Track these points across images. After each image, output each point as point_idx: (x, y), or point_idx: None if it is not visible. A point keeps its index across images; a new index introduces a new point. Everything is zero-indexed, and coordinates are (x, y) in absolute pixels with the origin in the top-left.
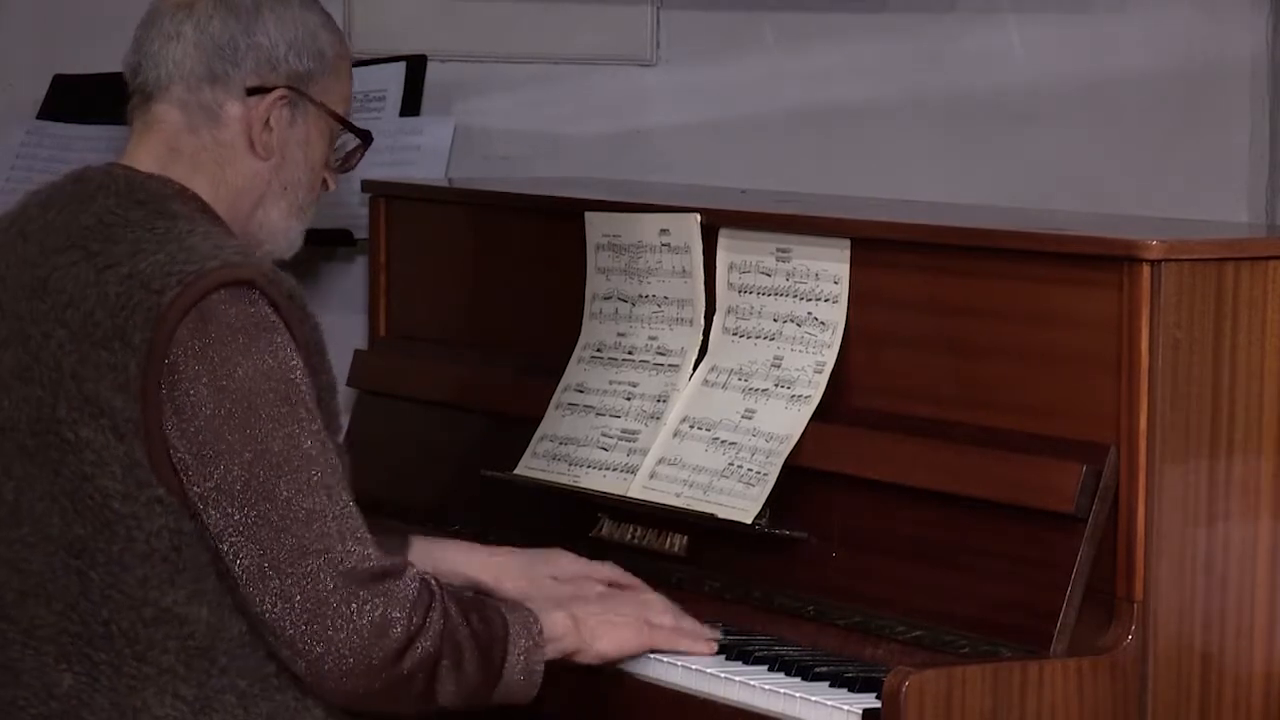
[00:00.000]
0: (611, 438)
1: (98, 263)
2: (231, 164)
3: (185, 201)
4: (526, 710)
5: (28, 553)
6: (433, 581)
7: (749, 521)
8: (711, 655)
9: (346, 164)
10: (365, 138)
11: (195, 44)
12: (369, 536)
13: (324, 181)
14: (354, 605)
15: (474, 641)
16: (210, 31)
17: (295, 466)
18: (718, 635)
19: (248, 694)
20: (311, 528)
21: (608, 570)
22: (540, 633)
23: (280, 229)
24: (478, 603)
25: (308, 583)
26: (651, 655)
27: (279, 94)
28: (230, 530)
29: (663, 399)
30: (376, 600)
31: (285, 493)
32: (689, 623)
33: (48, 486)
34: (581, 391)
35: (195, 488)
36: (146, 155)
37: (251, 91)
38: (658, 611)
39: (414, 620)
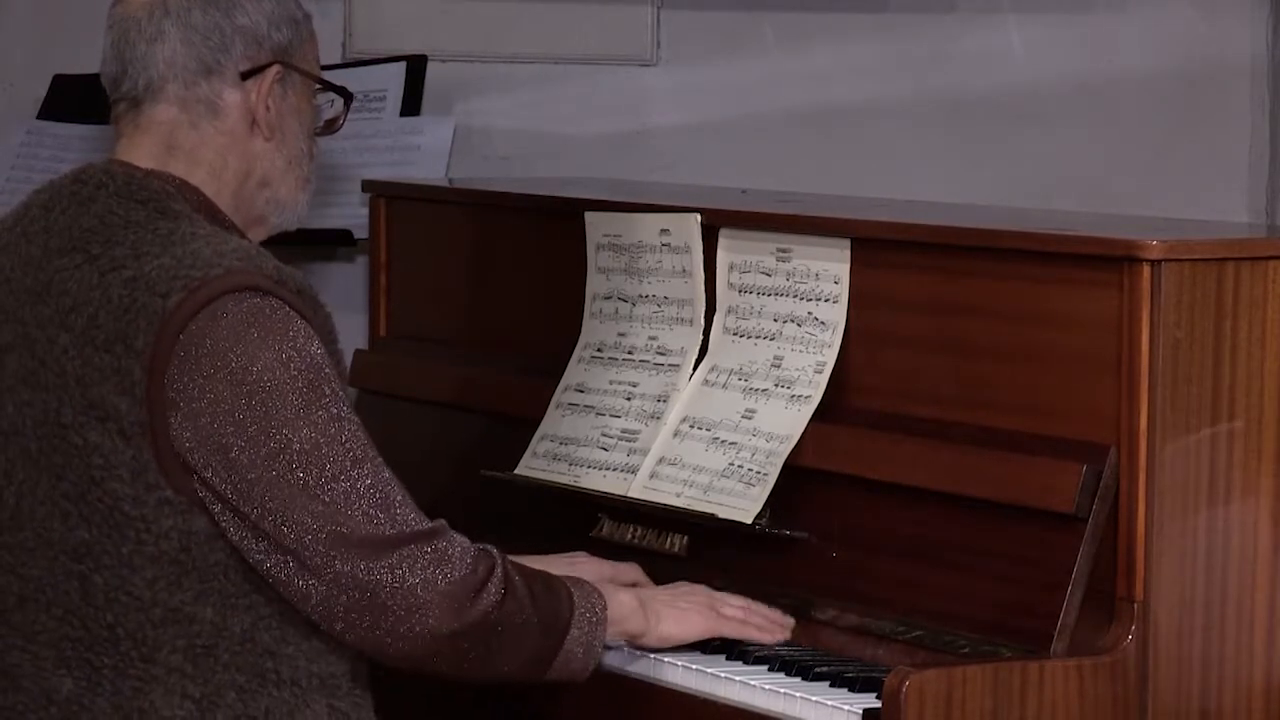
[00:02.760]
0: (611, 438)
1: (100, 265)
2: (234, 151)
3: (186, 198)
4: (527, 710)
5: (28, 557)
6: (492, 548)
7: (749, 521)
8: (702, 646)
9: (330, 128)
10: (346, 95)
11: (182, 40)
12: (411, 501)
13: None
14: (404, 570)
15: (535, 607)
16: (193, 24)
17: (326, 451)
18: (791, 622)
19: (247, 689)
20: (352, 507)
21: (632, 573)
22: (604, 608)
23: (290, 203)
24: (541, 574)
25: (357, 557)
26: (652, 655)
27: (276, 72)
28: (271, 519)
29: (663, 399)
30: (430, 557)
31: (318, 478)
32: (763, 611)
33: (49, 491)
34: (581, 391)
35: (224, 485)
36: (143, 154)
37: (245, 75)
38: (727, 602)
39: (477, 575)
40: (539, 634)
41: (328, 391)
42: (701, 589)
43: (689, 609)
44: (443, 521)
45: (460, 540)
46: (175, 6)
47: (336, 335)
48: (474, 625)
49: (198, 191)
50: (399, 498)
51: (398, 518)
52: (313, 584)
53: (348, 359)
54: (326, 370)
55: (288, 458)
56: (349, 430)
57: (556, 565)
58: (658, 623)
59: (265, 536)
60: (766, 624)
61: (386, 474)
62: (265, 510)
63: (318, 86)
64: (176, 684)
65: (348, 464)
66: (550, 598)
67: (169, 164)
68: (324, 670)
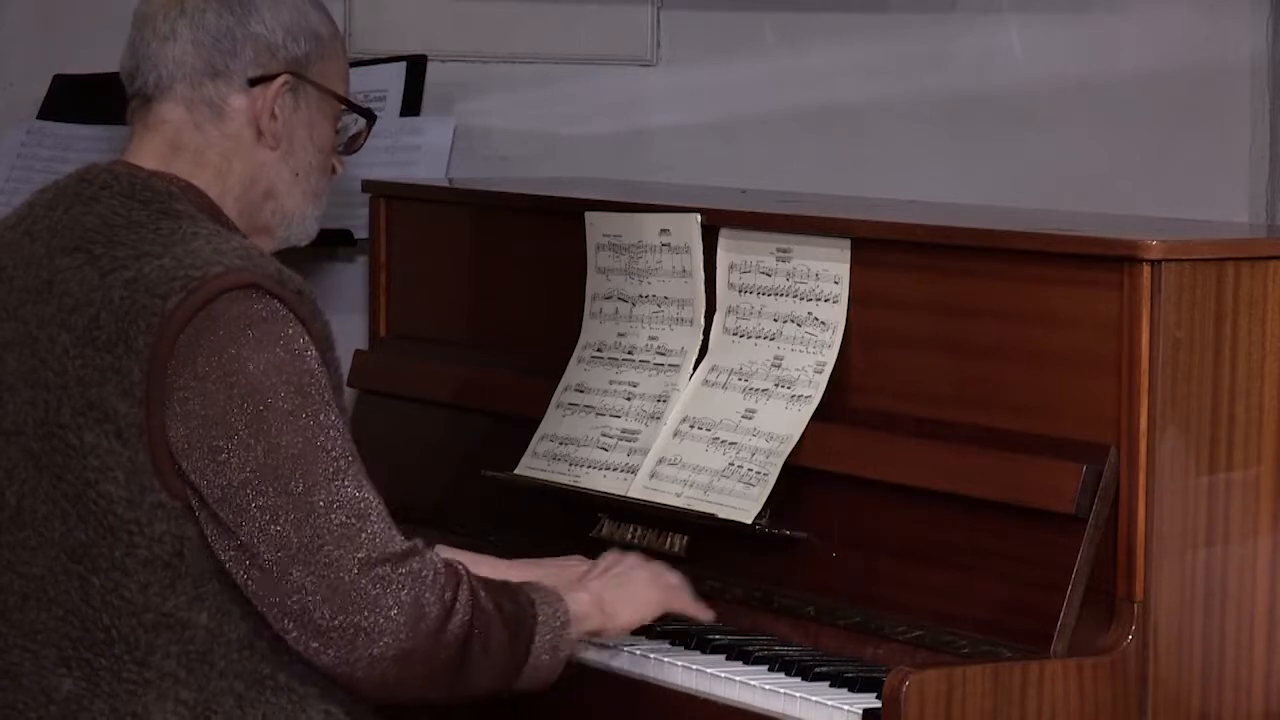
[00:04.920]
0: (612, 438)
1: (102, 266)
2: (238, 156)
3: (189, 199)
4: (527, 710)
5: (29, 556)
6: (459, 564)
7: (749, 521)
8: (702, 646)
9: (351, 146)
10: (369, 116)
11: (192, 41)
12: (390, 519)
13: (331, 166)
14: (380, 588)
15: (502, 621)
16: (205, 26)
17: (312, 457)
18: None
19: (245, 697)
20: (332, 516)
21: None
22: (566, 613)
23: (296, 216)
24: (505, 585)
25: (333, 572)
26: (652, 655)
27: (282, 81)
28: (248, 527)
29: (663, 399)
30: (405, 579)
31: (303, 484)
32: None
33: (50, 490)
34: (582, 391)
35: (209, 488)
36: (149, 154)
37: (254, 82)
38: (668, 574)
39: (446, 598)
40: (507, 647)
41: (318, 400)
42: (639, 561)
43: (639, 588)
44: (418, 541)
45: (433, 561)
46: (191, 7)
47: (334, 342)
48: (446, 646)
49: (202, 193)
50: (377, 514)
51: (375, 536)
52: (289, 600)
53: (348, 359)
54: (320, 378)
55: (273, 463)
56: (336, 441)
57: (556, 570)
58: (615, 615)
59: (242, 545)
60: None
61: (368, 489)
62: (244, 517)
63: (341, 106)
64: (170, 689)
65: (330, 475)
66: (515, 609)
67: (174, 164)
68: (322, 675)
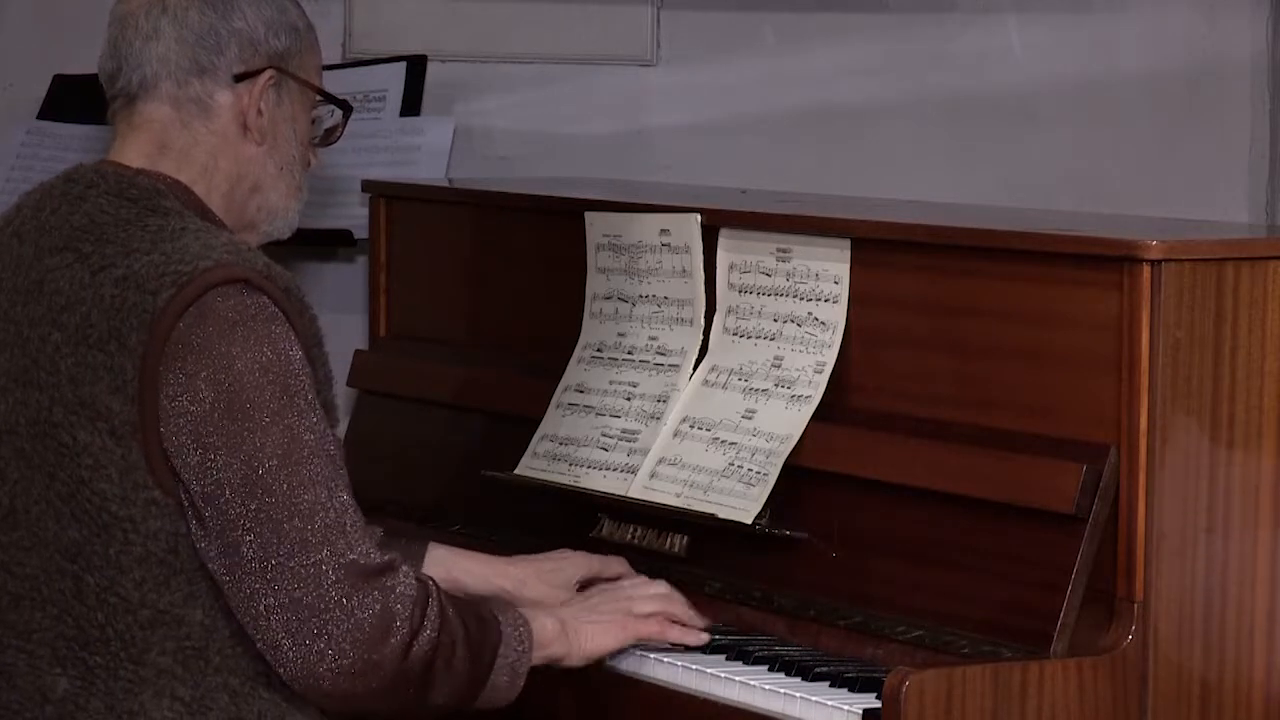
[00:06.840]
0: (611, 438)
1: (91, 264)
2: (224, 153)
3: (176, 196)
4: (528, 712)
5: (23, 556)
6: (430, 581)
7: (749, 522)
8: (702, 646)
9: (329, 138)
10: (346, 107)
11: (176, 39)
12: (367, 532)
13: (307, 160)
14: (355, 600)
15: (467, 642)
16: (189, 23)
17: (295, 460)
18: (707, 627)
19: (240, 692)
20: (312, 521)
21: (618, 567)
22: (529, 637)
23: (280, 210)
24: (473, 605)
25: (309, 577)
26: (651, 655)
27: (268, 76)
28: (230, 525)
29: (663, 399)
30: (377, 594)
31: (285, 486)
32: (680, 610)
33: (44, 490)
34: (581, 391)
35: (195, 484)
36: (135, 153)
37: (239, 78)
38: (641, 603)
39: (415, 616)
40: (468, 667)
41: (302, 402)
42: (617, 591)
43: (607, 621)
44: (395, 556)
45: (406, 577)
46: (173, 5)
47: (323, 338)
48: (411, 662)
49: (189, 190)
50: (354, 524)
51: (353, 546)
52: (262, 601)
53: (348, 359)
54: (304, 378)
55: (256, 465)
56: (319, 445)
57: (553, 568)
58: (579, 643)
59: (222, 544)
60: (684, 615)
61: (349, 498)
62: (225, 516)
63: (318, 98)
64: (166, 685)
65: (312, 479)
66: (481, 630)
67: (160, 163)
68: None
